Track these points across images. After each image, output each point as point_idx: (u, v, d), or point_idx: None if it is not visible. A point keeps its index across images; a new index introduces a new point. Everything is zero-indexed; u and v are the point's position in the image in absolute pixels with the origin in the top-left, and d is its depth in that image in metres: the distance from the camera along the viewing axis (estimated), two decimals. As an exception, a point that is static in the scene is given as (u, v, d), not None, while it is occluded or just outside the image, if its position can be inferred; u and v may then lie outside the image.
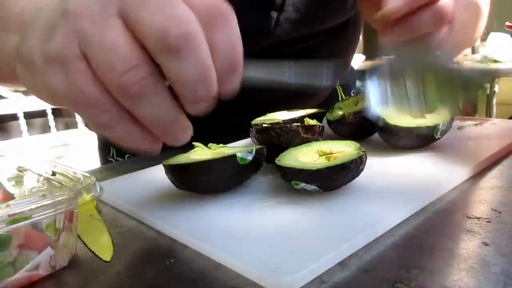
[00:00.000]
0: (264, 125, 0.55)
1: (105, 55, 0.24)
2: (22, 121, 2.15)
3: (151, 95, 0.25)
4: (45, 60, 0.25)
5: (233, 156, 0.43)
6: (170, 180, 0.46)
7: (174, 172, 0.44)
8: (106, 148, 0.89)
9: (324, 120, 0.64)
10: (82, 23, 0.24)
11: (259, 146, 0.47)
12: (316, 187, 0.42)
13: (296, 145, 0.50)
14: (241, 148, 0.49)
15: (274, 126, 0.51)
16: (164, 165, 0.46)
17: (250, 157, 0.44)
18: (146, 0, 0.24)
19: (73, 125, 2.46)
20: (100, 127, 0.26)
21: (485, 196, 0.42)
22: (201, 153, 0.50)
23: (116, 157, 0.86)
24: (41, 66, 0.25)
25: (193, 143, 0.52)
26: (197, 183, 0.44)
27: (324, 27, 0.73)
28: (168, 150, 0.55)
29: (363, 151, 0.44)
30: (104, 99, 0.25)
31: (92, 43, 0.24)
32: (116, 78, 0.24)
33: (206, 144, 0.52)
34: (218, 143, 0.52)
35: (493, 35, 2.26)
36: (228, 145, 0.59)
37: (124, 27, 0.25)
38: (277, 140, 0.50)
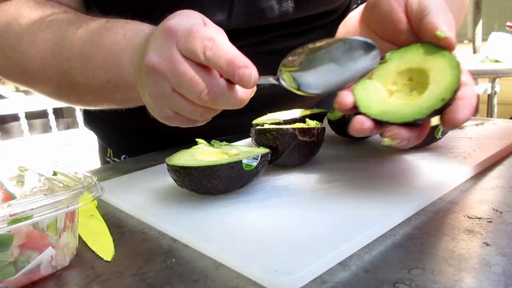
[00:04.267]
0: (264, 125, 0.55)
1: (186, 88, 0.38)
2: (23, 121, 2.15)
3: (218, 98, 0.38)
4: (152, 98, 0.41)
5: (239, 162, 0.43)
6: (173, 179, 0.46)
7: (178, 172, 0.44)
8: (104, 149, 0.90)
9: (325, 120, 0.64)
10: (165, 77, 0.39)
11: (264, 151, 0.47)
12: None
13: (293, 148, 0.50)
14: (245, 149, 0.49)
15: (272, 128, 0.51)
16: (167, 164, 0.45)
17: (255, 163, 0.44)
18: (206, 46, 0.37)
19: (74, 125, 2.47)
20: (185, 120, 0.43)
21: (486, 196, 0.42)
22: (204, 151, 0.50)
23: (113, 157, 0.87)
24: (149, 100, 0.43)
25: (196, 139, 0.52)
26: (200, 185, 0.44)
27: (315, 14, 0.71)
28: (171, 149, 0.55)
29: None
30: (191, 106, 0.40)
31: (177, 84, 0.39)
32: (197, 97, 0.38)
33: (208, 142, 0.52)
34: (220, 142, 0.52)
35: (494, 35, 2.26)
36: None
37: (190, 63, 0.38)
38: (274, 143, 0.50)
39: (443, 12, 0.40)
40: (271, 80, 0.41)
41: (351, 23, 0.48)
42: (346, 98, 0.40)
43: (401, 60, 0.41)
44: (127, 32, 0.50)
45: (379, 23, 0.44)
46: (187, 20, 0.39)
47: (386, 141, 0.37)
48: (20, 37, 0.57)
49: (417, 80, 0.40)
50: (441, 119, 0.37)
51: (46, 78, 0.57)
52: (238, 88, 0.39)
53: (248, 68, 0.36)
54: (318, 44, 0.39)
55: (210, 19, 0.41)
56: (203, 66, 0.38)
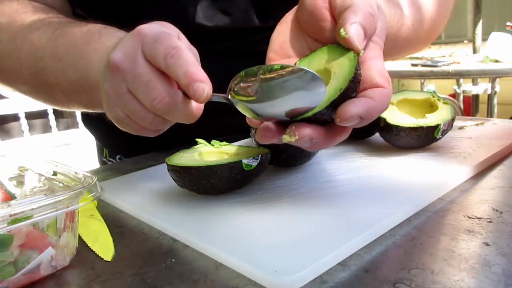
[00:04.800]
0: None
1: (141, 91, 0.38)
2: (23, 121, 2.15)
3: (171, 108, 0.38)
4: (107, 96, 0.41)
5: (239, 162, 0.43)
6: (173, 179, 0.46)
7: (178, 172, 0.44)
8: (101, 148, 0.90)
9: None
10: (123, 76, 0.38)
11: (264, 151, 0.47)
12: None
13: (293, 148, 0.50)
14: (245, 149, 0.49)
15: None
16: (167, 164, 0.45)
17: (255, 163, 0.44)
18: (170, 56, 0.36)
19: (74, 125, 2.47)
20: (134, 126, 0.41)
21: (486, 196, 0.42)
22: (204, 151, 0.50)
23: (109, 158, 0.87)
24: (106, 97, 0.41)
25: (196, 139, 0.52)
26: (200, 185, 0.44)
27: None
28: (171, 149, 0.55)
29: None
30: (142, 111, 0.39)
31: (133, 85, 0.38)
32: (150, 103, 0.37)
33: (208, 141, 0.52)
34: (220, 141, 0.52)
35: (494, 35, 2.26)
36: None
37: (150, 67, 0.37)
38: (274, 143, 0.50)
39: (364, 10, 0.36)
40: (223, 100, 0.38)
41: (286, 21, 0.45)
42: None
43: (308, 66, 0.40)
44: (103, 36, 0.50)
45: (306, 20, 0.42)
46: (160, 28, 0.39)
47: (285, 137, 0.35)
48: None
49: (325, 82, 0.38)
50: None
51: (23, 77, 0.58)
52: (192, 103, 0.38)
53: (203, 83, 0.35)
54: (272, 72, 0.36)
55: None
56: (164, 74, 0.37)
